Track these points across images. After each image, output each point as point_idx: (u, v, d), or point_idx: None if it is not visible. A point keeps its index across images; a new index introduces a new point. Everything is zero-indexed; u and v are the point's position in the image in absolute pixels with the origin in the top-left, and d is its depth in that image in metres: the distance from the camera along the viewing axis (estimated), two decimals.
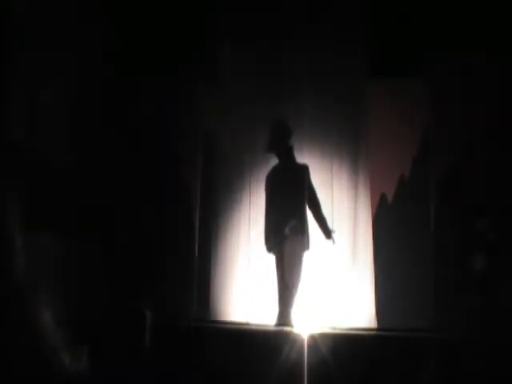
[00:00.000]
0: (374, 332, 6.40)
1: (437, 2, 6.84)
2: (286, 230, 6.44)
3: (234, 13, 7.44)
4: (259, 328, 6.05)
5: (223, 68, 7.49)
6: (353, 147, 7.31)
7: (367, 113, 7.28)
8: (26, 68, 5.87)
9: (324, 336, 4.75)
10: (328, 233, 6.61)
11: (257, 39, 7.33)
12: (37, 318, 1.57)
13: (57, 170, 6.25)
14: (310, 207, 6.67)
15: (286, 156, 6.81)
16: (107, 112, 7.38)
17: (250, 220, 7.18)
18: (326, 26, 7.22)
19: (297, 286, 6.43)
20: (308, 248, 6.50)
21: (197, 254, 7.33)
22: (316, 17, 7.22)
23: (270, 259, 6.85)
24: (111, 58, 7.28)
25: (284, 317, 6.21)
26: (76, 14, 6.72)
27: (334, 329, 6.29)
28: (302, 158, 7.10)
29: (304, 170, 6.70)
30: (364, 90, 7.33)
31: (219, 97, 7.46)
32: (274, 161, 7.13)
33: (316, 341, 4.53)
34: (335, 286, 6.95)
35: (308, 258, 6.61)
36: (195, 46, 7.35)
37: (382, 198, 7.27)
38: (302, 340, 4.52)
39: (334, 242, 6.61)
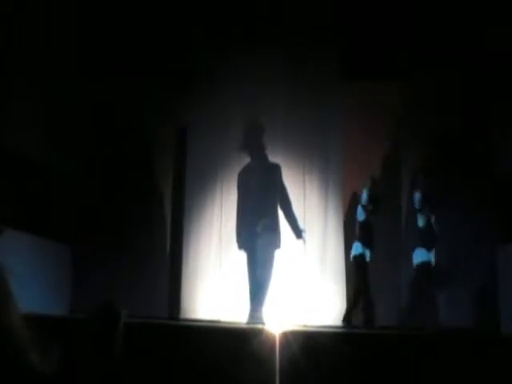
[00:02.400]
0: (345, 329, 6.45)
1: (411, 4, 6.93)
2: (258, 228, 6.47)
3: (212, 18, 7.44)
4: (231, 326, 6.06)
5: (198, 69, 7.47)
6: (325, 146, 7.35)
7: (339, 112, 7.32)
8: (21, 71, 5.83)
9: (295, 333, 4.77)
10: (299, 232, 6.65)
11: (231, 40, 7.32)
12: (6, 315, 1.56)
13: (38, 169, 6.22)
14: (281, 206, 6.71)
15: (259, 155, 6.83)
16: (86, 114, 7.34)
17: (221, 219, 7.19)
18: (301, 26, 7.23)
19: (268, 284, 6.46)
20: (279, 246, 6.54)
21: (168, 253, 7.32)
22: (291, 17, 7.23)
23: (242, 257, 6.87)
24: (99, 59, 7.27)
25: (255, 314, 6.23)
26: (73, 16, 6.71)
27: (306, 326, 6.33)
28: (274, 157, 7.13)
29: (276, 169, 6.73)
30: (336, 90, 7.38)
31: (193, 97, 7.43)
32: (246, 160, 7.15)
33: (287, 338, 4.55)
34: (306, 284, 6.99)
35: (279, 256, 6.66)
36: (174, 48, 7.36)
37: (354, 197, 7.32)
38: (274, 337, 4.53)
39: (304, 241, 6.66)
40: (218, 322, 6.53)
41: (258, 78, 7.26)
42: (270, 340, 4.54)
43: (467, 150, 6.81)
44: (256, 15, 7.30)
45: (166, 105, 7.45)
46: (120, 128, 7.38)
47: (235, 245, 6.93)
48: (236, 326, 6.07)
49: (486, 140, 6.79)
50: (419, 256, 6.67)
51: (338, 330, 6.22)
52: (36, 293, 5.57)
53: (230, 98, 7.31)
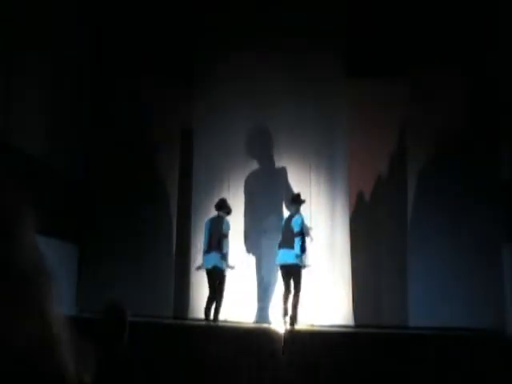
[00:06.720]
0: (351, 329, 6.47)
1: (412, 5, 6.94)
2: (264, 229, 6.52)
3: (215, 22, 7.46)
4: (238, 325, 6.10)
5: (206, 72, 7.48)
6: (330, 145, 7.32)
7: (343, 113, 7.30)
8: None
9: (301, 333, 4.81)
10: (306, 231, 6.68)
11: (235, 44, 7.32)
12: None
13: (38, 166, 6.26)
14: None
15: (264, 157, 6.87)
16: (88, 112, 7.39)
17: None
18: (302, 26, 7.21)
19: (274, 283, 6.51)
20: None
21: (176, 253, 7.33)
22: (292, 17, 7.23)
23: (249, 258, 6.91)
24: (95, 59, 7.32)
25: (263, 314, 6.27)
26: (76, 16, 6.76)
27: (312, 326, 6.36)
28: (280, 157, 7.14)
29: (282, 172, 6.79)
30: (340, 90, 7.35)
31: (200, 100, 7.44)
32: (252, 159, 7.17)
33: (293, 337, 4.59)
34: (313, 284, 6.99)
35: None
36: (179, 50, 7.40)
37: (360, 196, 7.32)
38: (280, 336, 4.58)
39: (311, 239, 6.68)
40: (225, 321, 6.56)
41: (261, 83, 7.23)
42: (276, 339, 4.58)
43: (471, 150, 6.79)
44: (257, 15, 7.31)
45: (169, 105, 7.46)
46: (126, 129, 7.43)
47: (243, 246, 6.97)
48: (243, 325, 6.11)
49: (490, 140, 6.77)
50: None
51: (342, 330, 6.25)
52: None
53: (233, 99, 7.29)
